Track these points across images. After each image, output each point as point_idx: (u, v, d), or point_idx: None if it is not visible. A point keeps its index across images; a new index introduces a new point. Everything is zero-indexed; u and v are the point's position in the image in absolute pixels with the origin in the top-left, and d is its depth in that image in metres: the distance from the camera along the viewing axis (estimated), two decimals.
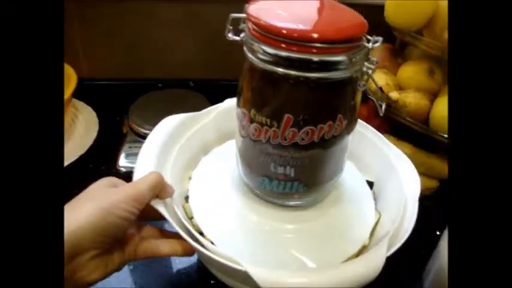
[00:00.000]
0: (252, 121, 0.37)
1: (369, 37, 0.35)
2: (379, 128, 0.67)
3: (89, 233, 0.32)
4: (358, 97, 0.38)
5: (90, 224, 0.32)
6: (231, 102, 0.53)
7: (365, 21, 0.35)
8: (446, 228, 0.49)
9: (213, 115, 0.52)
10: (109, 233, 0.34)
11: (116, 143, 0.68)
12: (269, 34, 0.33)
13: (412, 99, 0.60)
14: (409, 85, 0.63)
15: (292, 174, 0.39)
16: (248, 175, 0.43)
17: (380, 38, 0.34)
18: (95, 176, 0.61)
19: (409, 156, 0.60)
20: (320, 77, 0.33)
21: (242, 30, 0.38)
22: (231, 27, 0.37)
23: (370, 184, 0.50)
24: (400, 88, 0.64)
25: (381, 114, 0.37)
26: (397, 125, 0.64)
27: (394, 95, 0.60)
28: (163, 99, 0.78)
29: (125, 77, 0.85)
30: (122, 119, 0.73)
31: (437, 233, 0.58)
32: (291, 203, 0.44)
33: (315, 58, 0.32)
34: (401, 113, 0.60)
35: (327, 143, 0.37)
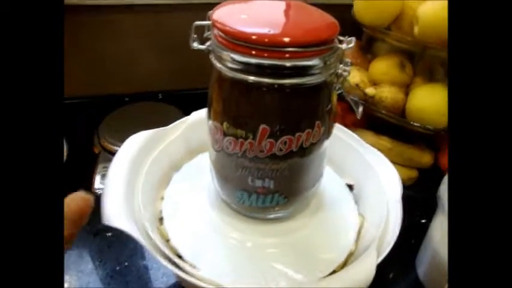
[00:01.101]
0: (225, 134, 0.35)
1: (341, 38, 0.34)
2: (355, 124, 0.67)
3: None
4: (334, 100, 0.36)
5: None
6: (198, 115, 0.50)
7: (336, 21, 0.34)
8: (434, 216, 0.49)
9: (180, 130, 0.50)
10: None
11: (87, 164, 0.64)
12: (238, 41, 0.31)
13: (388, 93, 0.61)
14: (382, 80, 0.64)
15: (272, 187, 0.37)
16: (225, 190, 0.41)
17: (353, 39, 0.33)
18: None
19: (389, 149, 0.62)
20: (294, 83, 0.32)
21: (207, 39, 0.36)
22: (195, 36, 0.35)
23: (350, 187, 0.49)
24: (374, 83, 0.65)
25: (358, 117, 0.36)
26: (373, 120, 0.65)
27: (370, 90, 0.62)
28: (134, 114, 0.75)
29: (87, 95, 0.81)
30: (91, 139, 0.69)
31: (422, 221, 0.58)
32: (272, 215, 0.42)
33: (288, 63, 0.31)
34: (378, 108, 0.61)
35: (306, 151, 0.36)
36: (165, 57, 0.82)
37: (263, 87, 0.32)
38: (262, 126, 0.33)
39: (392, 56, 0.65)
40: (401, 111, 0.62)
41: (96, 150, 0.67)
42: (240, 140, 0.34)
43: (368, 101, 0.62)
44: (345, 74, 0.34)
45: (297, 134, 0.34)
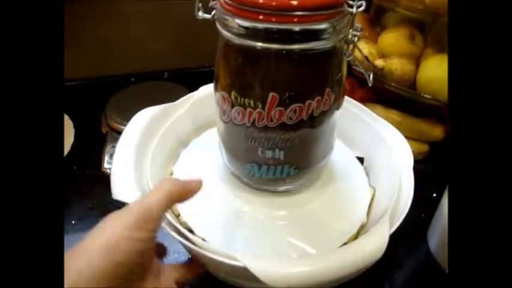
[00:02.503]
0: (233, 105, 0.34)
1: (350, 1, 0.32)
2: (364, 99, 0.66)
3: (93, 281, 0.24)
4: (344, 68, 0.35)
5: (92, 270, 0.25)
6: (206, 90, 0.50)
7: None
8: (446, 188, 0.49)
9: (187, 105, 0.49)
10: (121, 275, 0.26)
11: (96, 144, 0.64)
12: (244, 6, 0.30)
13: (398, 65, 0.60)
14: (391, 52, 0.63)
15: (282, 158, 0.37)
16: (234, 163, 0.40)
17: (363, 2, 0.32)
18: (79, 182, 0.56)
19: (398, 123, 0.61)
20: (303, 48, 0.31)
21: (212, 8, 0.35)
22: (200, 5, 0.34)
23: (360, 160, 0.49)
24: (382, 56, 0.64)
25: (370, 85, 0.35)
26: (382, 94, 0.64)
27: (379, 62, 0.60)
28: (140, 94, 0.74)
29: (93, 76, 0.80)
30: (99, 120, 0.69)
31: (434, 195, 0.58)
32: (282, 188, 0.41)
33: (297, 28, 0.30)
34: (388, 80, 0.60)
35: (316, 121, 0.35)
36: (170, 36, 0.81)
37: (271, 54, 0.31)
38: (271, 94, 0.32)
39: (401, 27, 0.63)
40: (411, 84, 0.61)
41: (104, 130, 0.67)
42: (249, 109, 0.34)
43: (377, 74, 0.60)
44: (355, 39, 0.33)
45: (307, 102, 0.33)
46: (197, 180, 0.33)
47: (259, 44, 0.30)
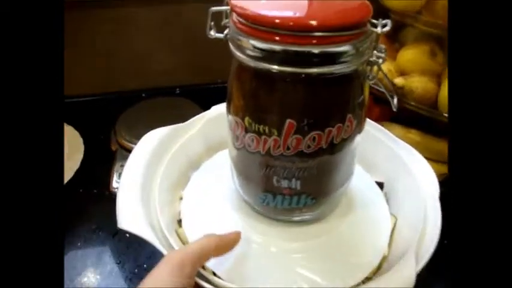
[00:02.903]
0: (247, 130, 0.32)
1: (374, 21, 0.30)
2: (381, 117, 0.63)
3: None
4: (367, 90, 0.33)
5: None
6: (218, 110, 0.48)
7: (368, 2, 0.30)
8: None
9: (199, 126, 0.47)
10: None
11: (105, 162, 0.63)
12: (259, 26, 0.28)
13: (418, 83, 0.57)
14: (411, 69, 0.60)
15: (299, 187, 0.34)
16: (247, 191, 0.38)
17: (388, 21, 0.29)
18: (87, 201, 0.55)
19: (417, 143, 0.58)
20: (323, 72, 0.28)
21: (226, 26, 0.33)
22: (212, 23, 0.32)
23: (380, 185, 0.46)
24: (401, 73, 0.61)
25: (394, 110, 0.32)
26: (401, 112, 0.61)
27: (399, 81, 0.58)
28: (151, 110, 0.73)
29: (104, 92, 0.80)
30: (108, 137, 0.68)
31: None
32: (298, 217, 0.39)
33: (316, 50, 0.27)
34: (407, 99, 0.57)
35: (337, 148, 0.32)
36: (182, 51, 0.79)
37: (288, 78, 0.29)
38: (288, 121, 0.30)
39: (421, 43, 0.61)
40: (432, 103, 0.58)
41: (113, 148, 0.65)
42: (264, 137, 0.31)
43: (397, 92, 0.58)
44: (379, 61, 0.30)
45: (327, 129, 0.30)
46: (235, 234, 0.35)
47: (275, 67, 0.28)
